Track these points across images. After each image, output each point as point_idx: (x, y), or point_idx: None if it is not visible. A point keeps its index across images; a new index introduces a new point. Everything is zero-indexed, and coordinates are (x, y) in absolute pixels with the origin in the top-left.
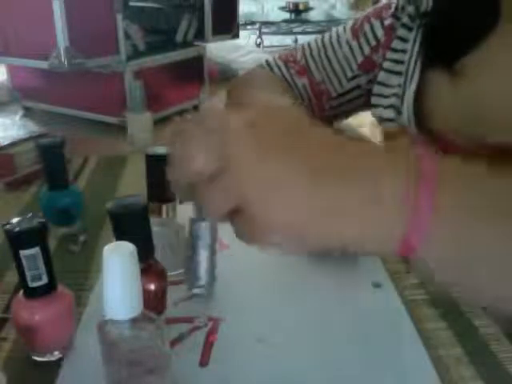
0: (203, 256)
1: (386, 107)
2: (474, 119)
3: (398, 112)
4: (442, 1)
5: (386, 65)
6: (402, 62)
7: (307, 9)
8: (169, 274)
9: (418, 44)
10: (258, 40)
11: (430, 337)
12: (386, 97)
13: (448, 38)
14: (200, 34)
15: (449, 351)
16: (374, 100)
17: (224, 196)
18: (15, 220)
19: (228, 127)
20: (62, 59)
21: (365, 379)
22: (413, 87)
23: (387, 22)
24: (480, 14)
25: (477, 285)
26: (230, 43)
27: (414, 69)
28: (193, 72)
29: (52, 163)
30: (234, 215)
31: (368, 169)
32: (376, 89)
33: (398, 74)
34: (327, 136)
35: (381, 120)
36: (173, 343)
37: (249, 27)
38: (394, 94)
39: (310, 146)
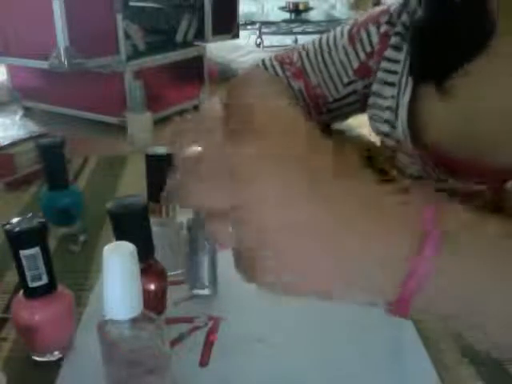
0: (204, 256)
1: (381, 121)
2: (467, 135)
3: (393, 126)
4: (431, 15)
5: (380, 75)
6: (395, 73)
7: (307, 9)
8: (169, 273)
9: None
10: (258, 40)
11: (430, 337)
12: (380, 109)
13: (436, 55)
14: (200, 34)
15: (449, 351)
16: (369, 112)
17: (236, 235)
18: (15, 220)
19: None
20: (62, 59)
21: (365, 379)
22: (406, 99)
23: (383, 29)
24: (469, 31)
25: (478, 331)
26: (230, 43)
27: (407, 81)
28: (193, 72)
29: (52, 163)
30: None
31: (378, 221)
32: (371, 100)
33: (392, 84)
34: (346, 177)
35: (377, 133)
36: (173, 343)
37: (249, 27)
38: (388, 108)
39: (335, 194)
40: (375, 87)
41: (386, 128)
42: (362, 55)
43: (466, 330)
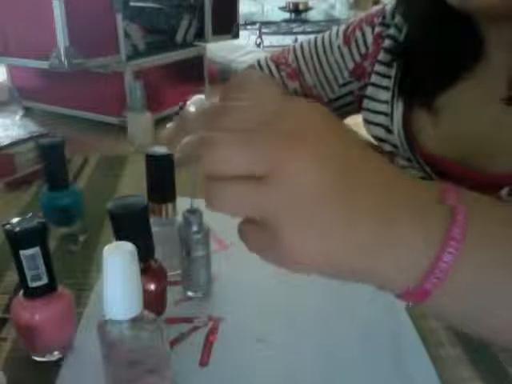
0: (196, 257)
1: (375, 125)
2: (454, 148)
3: (389, 131)
4: (415, 37)
5: (374, 78)
6: (389, 77)
7: (307, 9)
8: (169, 274)
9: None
10: (258, 40)
11: (430, 336)
12: (375, 113)
13: (423, 75)
14: (200, 34)
15: (449, 351)
16: (364, 115)
17: (248, 202)
18: (15, 220)
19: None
20: (62, 59)
21: (365, 379)
22: (400, 110)
23: (377, 30)
24: (456, 52)
25: (493, 329)
26: (229, 43)
27: (400, 89)
28: (193, 72)
29: (52, 163)
30: (247, 224)
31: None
32: (365, 103)
33: (386, 88)
34: (378, 168)
35: (372, 136)
36: (173, 343)
37: (249, 27)
38: (383, 113)
39: (366, 180)
40: (370, 90)
41: (381, 132)
42: (357, 56)
43: (479, 329)
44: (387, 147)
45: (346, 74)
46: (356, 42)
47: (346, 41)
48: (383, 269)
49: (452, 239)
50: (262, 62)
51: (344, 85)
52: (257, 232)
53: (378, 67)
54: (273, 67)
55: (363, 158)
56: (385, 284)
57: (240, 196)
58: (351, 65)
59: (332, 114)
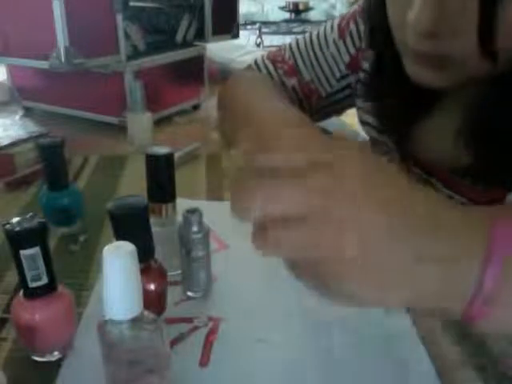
0: (196, 258)
1: (366, 111)
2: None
3: (379, 131)
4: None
5: (363, 77)
6: None
7: (307, 9)
8: (169, 274)
9: None
10: (258, 40)
11: (430, 336)
12: (368, 113)
13: (390, 108)
14: (200, 34)
15: (449, 351)
16: (358, 114)
17: (307, 248)
18: (15, 220)
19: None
20: (62, 59)
21: (364, 379)
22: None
23: None
24: (417, 94)
25: None
26: (230, 43)
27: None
28: (193, 72)
29: (52, 163)
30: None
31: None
32: (358, 102)
33: None
34: (406, 190)
35: (363, 123)
36: (173, 343)
37: (249, 27)
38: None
39: (397, 198)
40: (360, 89)
41: (374, 132)
42: (352, 49)
43: None
44: (382, 148)
45: (342, 67)
46: (350, 34)
47: (341, 34)
48: (440, 303)
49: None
50: (259, 61)
51: (341, 78)
52: (306, 273)
53: (365, 65)
54: (270, 66)
55: (412, 199)
56: (444, 312)
57: (290, 238)
58: (347, 58)
59: (380, 159)
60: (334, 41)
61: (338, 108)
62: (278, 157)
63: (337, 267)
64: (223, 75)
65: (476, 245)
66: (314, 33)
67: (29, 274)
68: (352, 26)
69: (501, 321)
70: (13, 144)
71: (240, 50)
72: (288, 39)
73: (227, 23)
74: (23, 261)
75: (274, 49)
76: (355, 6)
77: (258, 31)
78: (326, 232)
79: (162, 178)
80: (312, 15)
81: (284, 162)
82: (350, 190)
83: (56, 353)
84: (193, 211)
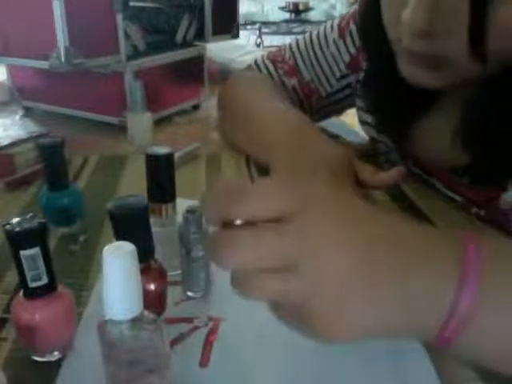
0: (196, 258)
1: (365, 111)
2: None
3: (379, 130)
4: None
5: (363, 77)
6: None
7: (307, 9)
8: (169, 274)
9: None
10: (258, 40)
11: None
12: (367, 112)
13: (389, 108)
14: (200, 34)
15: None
16: (358, 114)
17: (278, 292)
18: (15, 220)
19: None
20: (62, 59)
21: (364, 379)
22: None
23: None
24: (415, 95)
25: None
26: (230, 43)
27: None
28: (193, 72)
29: (52, 163)
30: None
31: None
32: (358, 102)
33: None
34: (384, 224)
35: (362, 123)
36: (173, 343)
37: (249, 27)
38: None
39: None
40: (360, 89)
41: (373, 132)
42: (352, 49)
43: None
44: (382, 147)
45: (342, 67)
46: (351, 34)
47: (341, 34)
48: (414, 330)
49: (467, 281)
50: (259, 61)
51: (341, 77)
52: (289, 315)
53: (365, 65)
54: (270, 66)
55: (381, 231)
56: (418, 336)
57: (271, 286)
58: (347, 57)
59: (353, 194)
60: (334, 40)
61: (338, 108)
62: (254, 207)
63: (319, 309)
64: (223, 75)
65: (450, 267)
66: (314, 33)
67: (29, 274)
68: (352, 26)
69: (475, 343)
70: (13, 144)
71: (240, 50)
72: (288, 39)
73: (227, 23)
74: (23, 261)
75: (274, 49)
76: (355, 6)
77: (258, 31)
78: (304, 280)
79: (162, 177)
80: (312, 15)
81: (259, 212)
82: (322, 235)
83: (56, 353)
84: (193, 211)
